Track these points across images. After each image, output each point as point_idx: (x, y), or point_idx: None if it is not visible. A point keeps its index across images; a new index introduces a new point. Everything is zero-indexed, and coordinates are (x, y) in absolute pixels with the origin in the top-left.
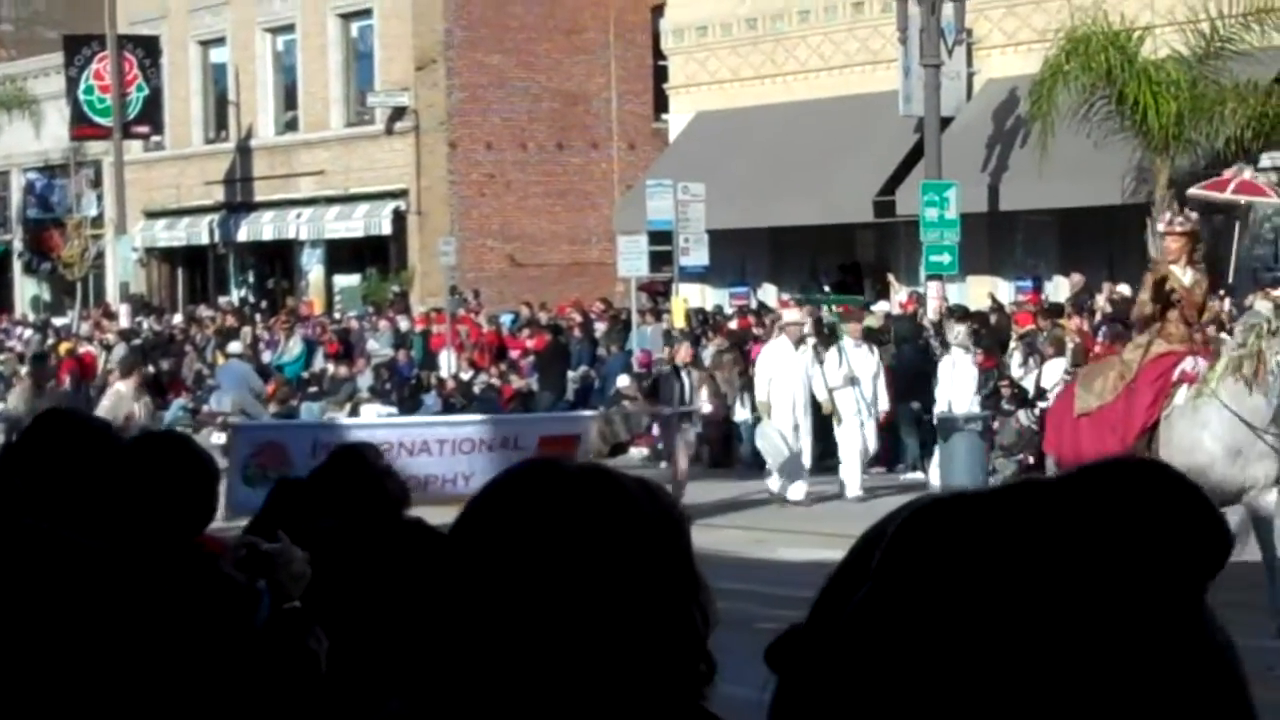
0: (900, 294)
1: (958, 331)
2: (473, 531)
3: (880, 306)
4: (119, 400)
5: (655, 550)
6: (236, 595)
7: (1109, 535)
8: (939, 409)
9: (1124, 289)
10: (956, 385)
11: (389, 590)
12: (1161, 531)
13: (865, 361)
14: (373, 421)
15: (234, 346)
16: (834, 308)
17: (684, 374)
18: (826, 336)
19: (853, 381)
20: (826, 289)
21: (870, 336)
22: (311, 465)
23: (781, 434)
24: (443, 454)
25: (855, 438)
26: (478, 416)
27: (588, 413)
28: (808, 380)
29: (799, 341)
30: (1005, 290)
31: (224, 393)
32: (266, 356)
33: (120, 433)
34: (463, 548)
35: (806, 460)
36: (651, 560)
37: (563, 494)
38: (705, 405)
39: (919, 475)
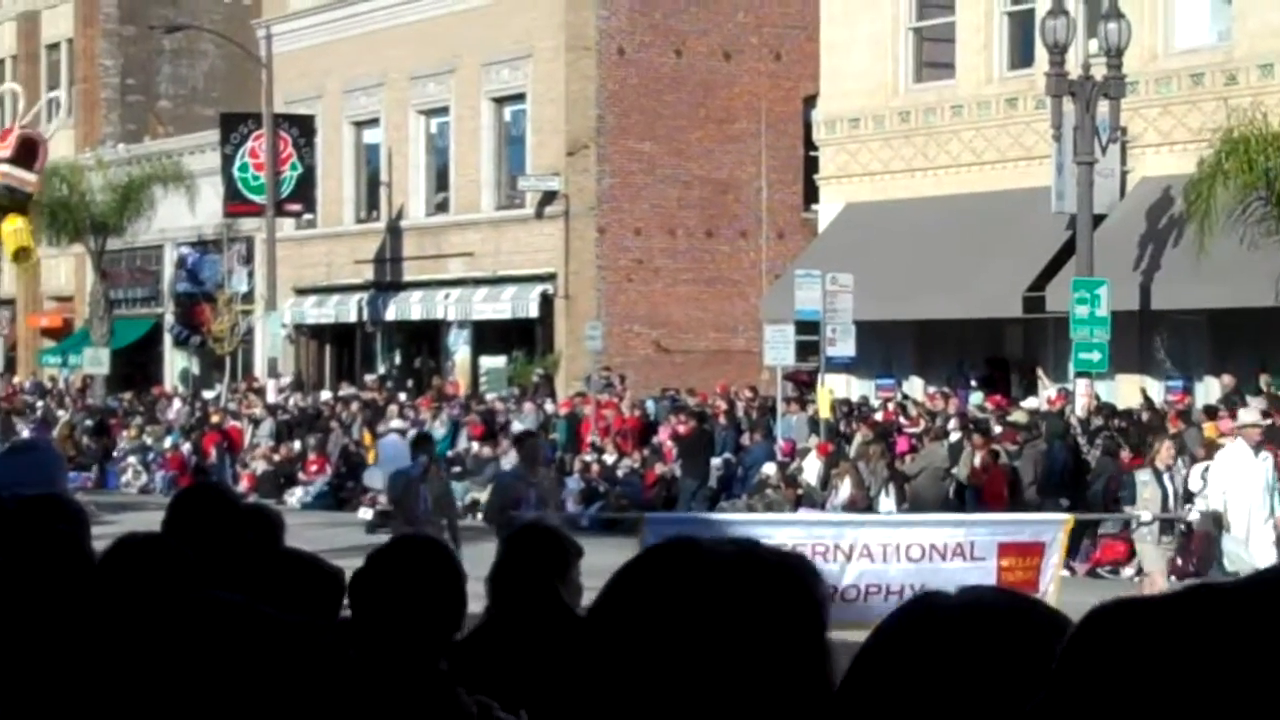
0: (1049, 391)
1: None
2: (611, 611)
3: (1028, 403)
4: None
5: (794, 632)
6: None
7: None
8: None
9: None
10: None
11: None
12: None
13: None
14: (788, 518)
15: (396, 423)
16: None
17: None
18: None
19: None
20: (973, 384)
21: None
22: None
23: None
24: (885, 560)
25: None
26: (918, 516)
27: (1058, 516)
28: (1270, 488)
29: (1258, 446)
30: (1155, 389)
31: (379, 469)
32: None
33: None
34: (601, 628)
35: None
36: (790, 641)
37: (701, 574)
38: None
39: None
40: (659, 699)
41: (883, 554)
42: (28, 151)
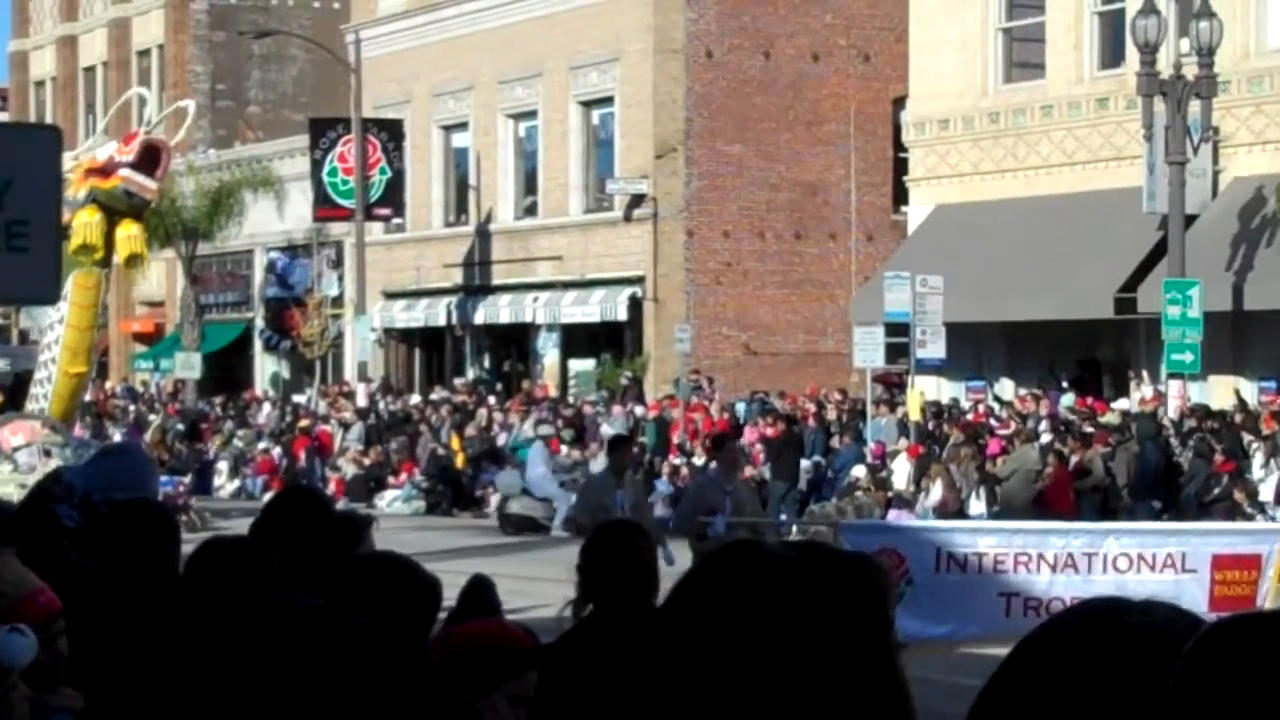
0: (1141, 392)
1: None
2: (677, 616)
3: (1120, 404)
4: None
5: (860, 632)
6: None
7: None
8: None
9: None
10: None
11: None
12: None
13: None
14: (990, 525)
15: (545, 429)
16: None
17: None
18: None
19: None
20: (1064, 385)
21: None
22: (934, 580)
23: None
24: (1089, 571)
25: None
26: (1128, 526)
27: (1275, 526)
28: None
29: None
30: (1248, 390)
31: (527, 473)
32: (501, 439)
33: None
34: (668, 632)
35: None
36: (856, 642)
37: (768, 576)
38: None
39: None
40: (725, 701)
41: (1088, 565)
42: (151, 158)
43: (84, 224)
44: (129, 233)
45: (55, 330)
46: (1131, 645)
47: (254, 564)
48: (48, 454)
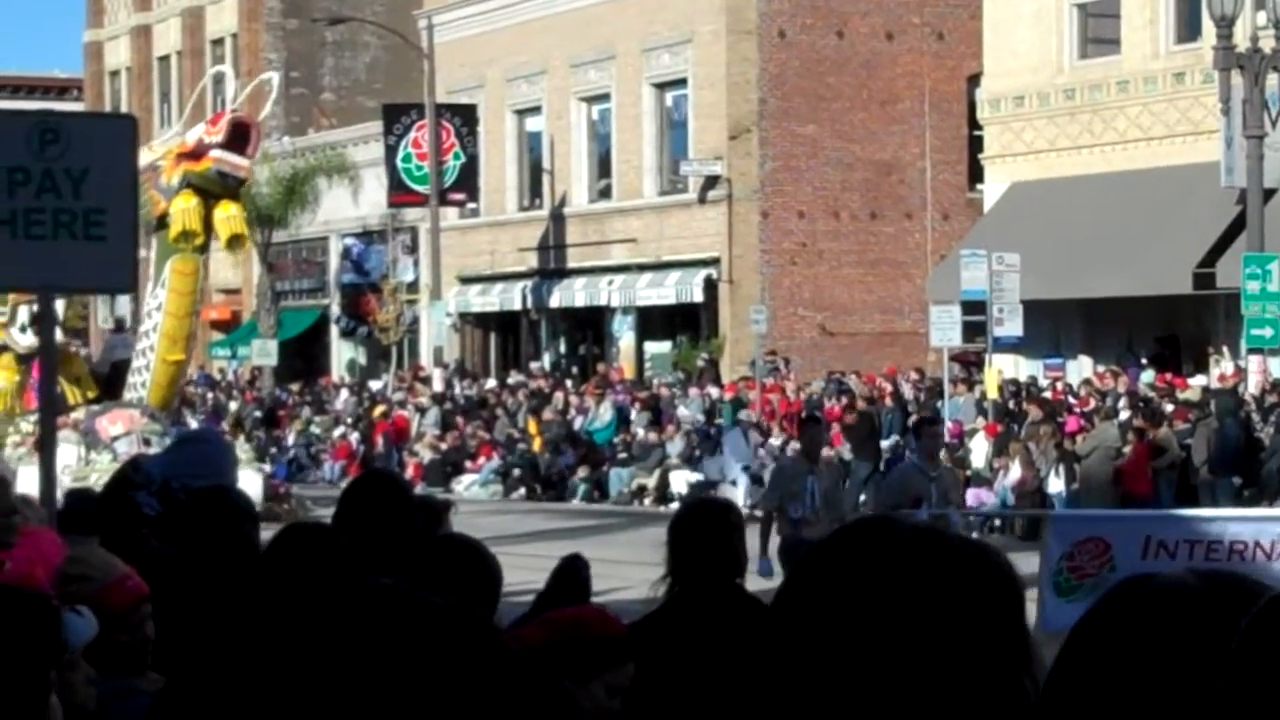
0: (1220, 367)
1: None
2: (801, 590)
3: (1199, 380)
4: None
5: (986, 615)
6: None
7: None
8: None
9: None
10: None
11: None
12: None
13: None
14: (1223, 513)
15: (744, 414)
16: None
17: None
18: None
19: None
20: (1143, 361)
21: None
22: (1140, 568)
23: None
24: None
25: None
26: None
27: None
28: None
29: None
30: None
31: (727, 460)
32: (578, 422)
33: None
34: (791, 605)
35: None
36: (981, 625)
37: (894, 552)
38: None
39: None
40: (850, 677)
41: None
42: (240, 136)
43: (182, 210)
44: (228, 213)
45: (154, 318)
46: (1195, 612)
47: (332, 548)
48: (147, 443)
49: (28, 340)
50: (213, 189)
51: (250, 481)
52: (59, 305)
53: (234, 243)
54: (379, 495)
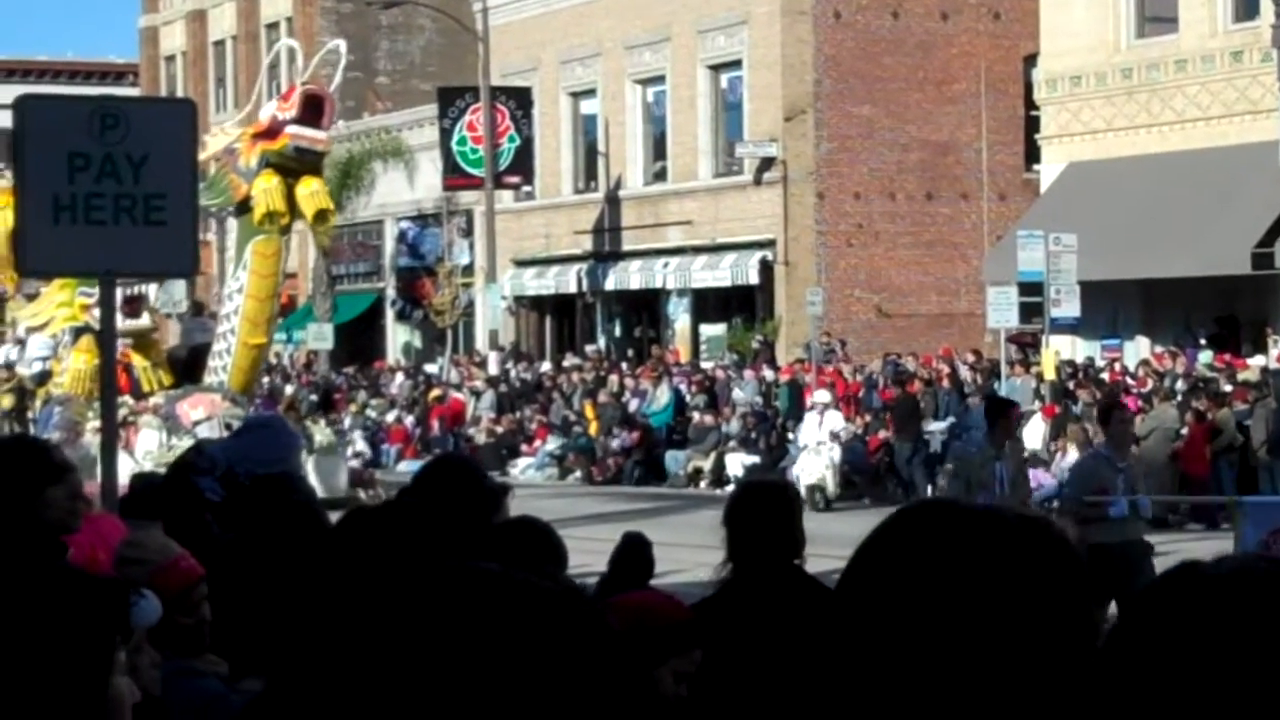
0: (1279, 348)
1: None
2: (864, 573)
3: (1258, 360)
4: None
5: (1049, 592)
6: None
7: None
8: None
9: None
10: None
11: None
12: None
13: None
14: None
15: (821, 395)
16: None
17: None
18: None
19: None
20: (1202, 342)
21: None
22: None
23: None
24: None
25: None
26: None
27: None
28: None
29: None
30: None
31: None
32: (633, 405)
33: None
34: (854, 588)
35: None
36: (1044, 603)
37: (954, 532)
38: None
39: None
40: (913, 659)
41: None
42: (314, 108)
43: (264, 191)
44: (310, 189)
45: (234, 301)
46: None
47: (401, 531)
48: (228, 428)
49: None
50: (292, 166)
51: (333, 468)
52: (152, 290)
53: (320, 218)
54: (451, 478)
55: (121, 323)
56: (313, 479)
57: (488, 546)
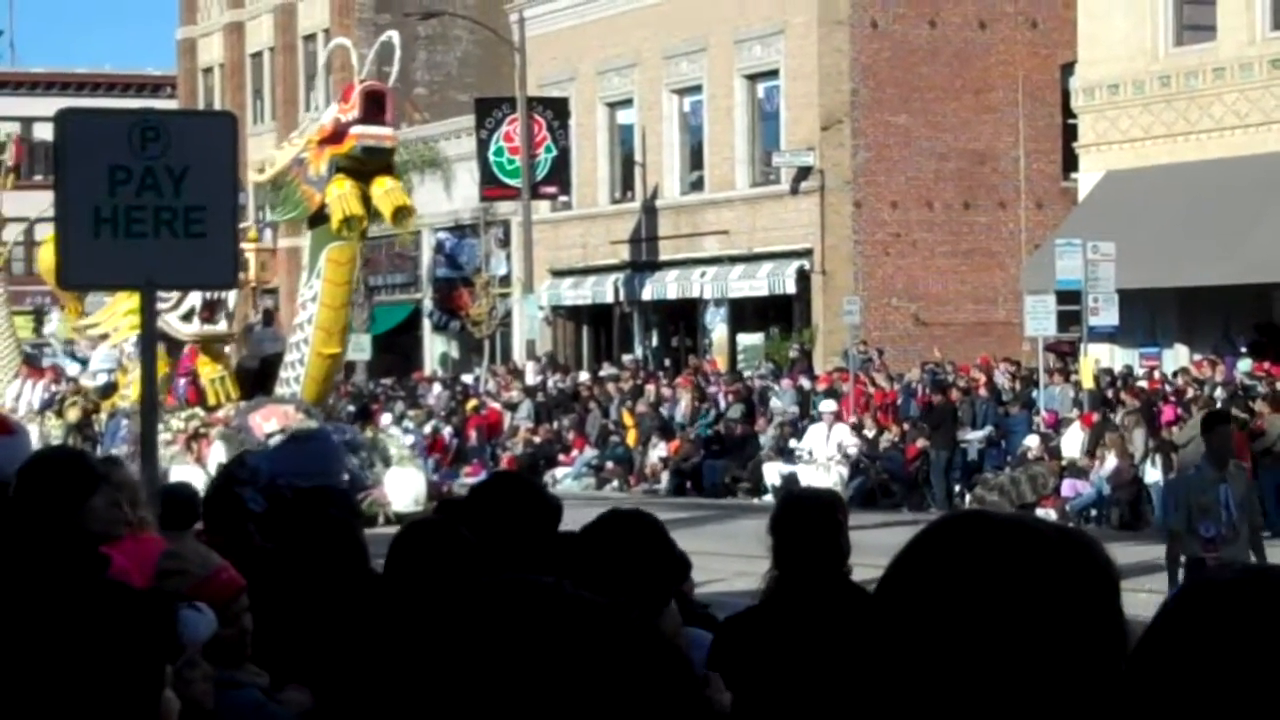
0: None
1: None
2: (900, 584)
3: None
4: None
5: (1082, 604)
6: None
7: None
8: None
9: None
10: None
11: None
12: None
13: None
14: None
15: (828, 404)
16: None
17: None
18: None
19: None
20: (1241, 350)
21: None
22: None
23: None
24: None
25: None
26: None
27: None
28: None
29: None
30: None
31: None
32: (677, 414)
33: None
34: (890, 599)
35: None
36: (1078, 614)
37: (988, 544)
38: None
39: None
40: (949, 669)
41: None
42: (376, 104)
43: (338, 197)
44: (385, 188)
45: (308, 309)
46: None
47: (457, 546)
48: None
49: (190, 329)
50: (363, 167)
51: (412, 480)
52: (231, 298)
53: (400, 215)
54: (510, 494)
55: (199, 328)
56: (390, 493)
57: (548, 560)
